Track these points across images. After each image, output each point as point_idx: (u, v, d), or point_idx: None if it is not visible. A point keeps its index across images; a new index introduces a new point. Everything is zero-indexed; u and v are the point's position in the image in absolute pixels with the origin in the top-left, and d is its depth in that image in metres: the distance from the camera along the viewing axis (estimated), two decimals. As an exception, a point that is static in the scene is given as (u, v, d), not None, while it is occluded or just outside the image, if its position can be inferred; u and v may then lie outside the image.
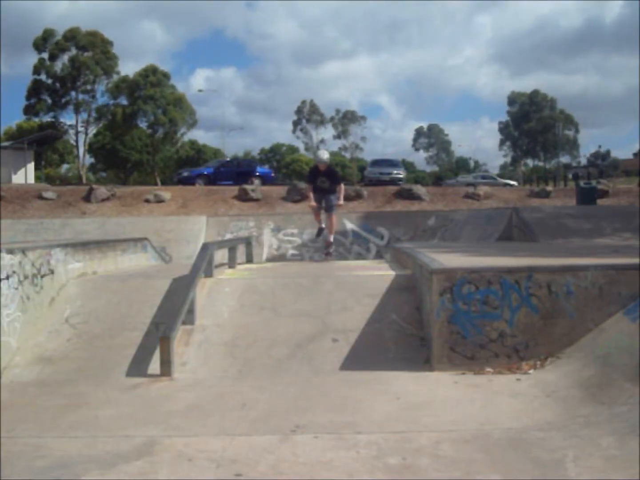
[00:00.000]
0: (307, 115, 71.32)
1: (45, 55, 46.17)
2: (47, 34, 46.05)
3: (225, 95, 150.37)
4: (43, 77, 46.54)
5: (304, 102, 72.51)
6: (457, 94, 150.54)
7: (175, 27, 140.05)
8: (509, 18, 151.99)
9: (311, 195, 10.90)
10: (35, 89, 46.50)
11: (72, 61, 45.56)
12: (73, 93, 46.95)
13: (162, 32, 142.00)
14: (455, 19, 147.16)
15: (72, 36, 45.96)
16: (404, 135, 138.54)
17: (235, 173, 28.92)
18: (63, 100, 46.82)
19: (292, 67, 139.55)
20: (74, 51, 45.99)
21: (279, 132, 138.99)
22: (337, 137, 71.87)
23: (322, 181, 10.76)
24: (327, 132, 73.41)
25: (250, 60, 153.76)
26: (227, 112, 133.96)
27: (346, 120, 72.05)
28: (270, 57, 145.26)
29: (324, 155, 10.91)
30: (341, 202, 10.93)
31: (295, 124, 71.84)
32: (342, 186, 11.06)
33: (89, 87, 47.17)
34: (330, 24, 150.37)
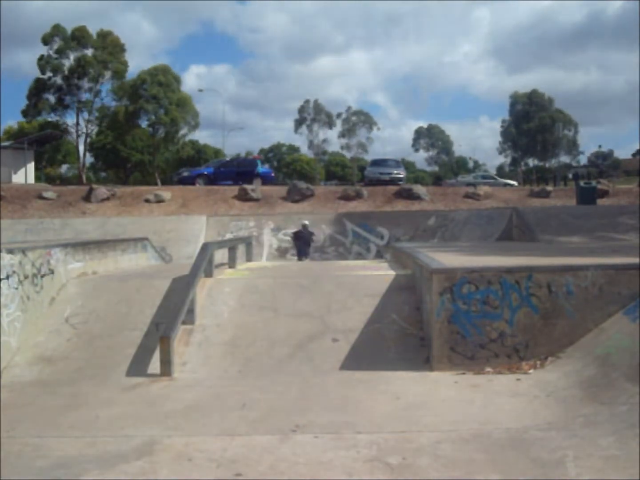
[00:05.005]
0: (311, 114, 70.78)
1: (46, 53, 46.06)
2: (57, 30, 45.92)
3: (223, 95, 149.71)
4: (45, 76, 46.43)
5: (307, 101, 72.14)
6: (455, 91, 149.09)
7: (164, 22, 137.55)
8: (508, 12, 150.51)
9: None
10: (38, 88, 46.36)
11: (78, 60, 45.46)
12: (75, 92, 46.84)
13: (153, 29, 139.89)
14: (452, 13, 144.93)
15: (81, 35, 45.88)
16: (402, 134, 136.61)
17: (235, 173, 28.86)
18: (67, 99, 46.70)
19: (285, 63, 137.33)
20: (83, 50, 45.87)
21: (276, 130, 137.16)
22: (342, 135, 71.21)
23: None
24: (330, 132, 72.84)
25: (242, 57, 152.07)
26: (222, 111, 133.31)
27: (356, 120, 71.38)
28: (262, 53, 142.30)
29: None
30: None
31: (298, 123, 71.35)
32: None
33: (92, 86, 47.02)
34: (324, 18, 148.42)
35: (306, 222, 16.65)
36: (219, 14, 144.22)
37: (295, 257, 16.81)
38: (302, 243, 16.37)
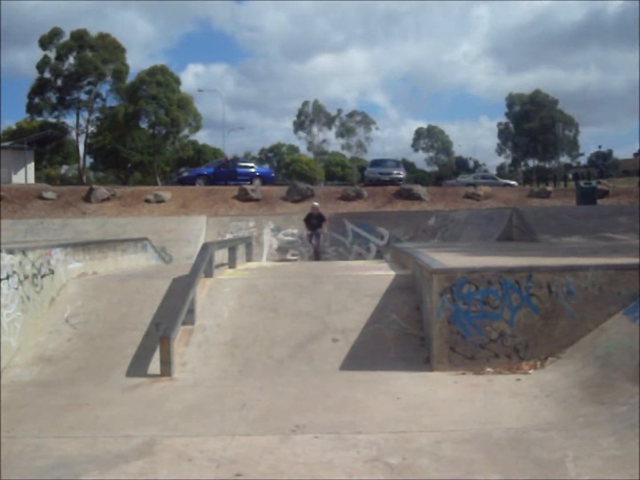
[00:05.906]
0: (311, 115, 70.59)
1: (49, 53, 46.09)
2: (54, 33, 45.96)
3: (222, 94, 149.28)
4: (46, 75, 46.43)
5: (306, 102, 72.00)
6: (454, 91, 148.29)
7: (161, 21, 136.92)
8: (507, 11, 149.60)
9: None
10: (40, 87, 46.36)
11: (79, 60, 45.46)
12: (75, 92, 46.82)
13: (150, 28, 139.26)
14: (451, 12, 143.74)
15: (80, 36, 45.91)
16: (402, 134, 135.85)
17: (235, 173, 28.74)
18: (68, 98, 46.69)
19: (283, 62, 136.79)
20: (81, 51, 45.88)
21: (275, 130, 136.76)
22: (341, 135, 70.96)
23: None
24: (330, 132, 72.61)
25: (241, 56, 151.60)
26: (221, 110, 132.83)
27: (354, 120, 71.07)
28: (261, 52, 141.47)
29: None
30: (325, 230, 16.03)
31: (298, 125, 71.15)
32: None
33: (92, 88, 47.05)
34: (323, 17, 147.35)
35: (315, 204, 16.51)
36: (216, 12, 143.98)
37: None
38: (310, 229, 15.78)
